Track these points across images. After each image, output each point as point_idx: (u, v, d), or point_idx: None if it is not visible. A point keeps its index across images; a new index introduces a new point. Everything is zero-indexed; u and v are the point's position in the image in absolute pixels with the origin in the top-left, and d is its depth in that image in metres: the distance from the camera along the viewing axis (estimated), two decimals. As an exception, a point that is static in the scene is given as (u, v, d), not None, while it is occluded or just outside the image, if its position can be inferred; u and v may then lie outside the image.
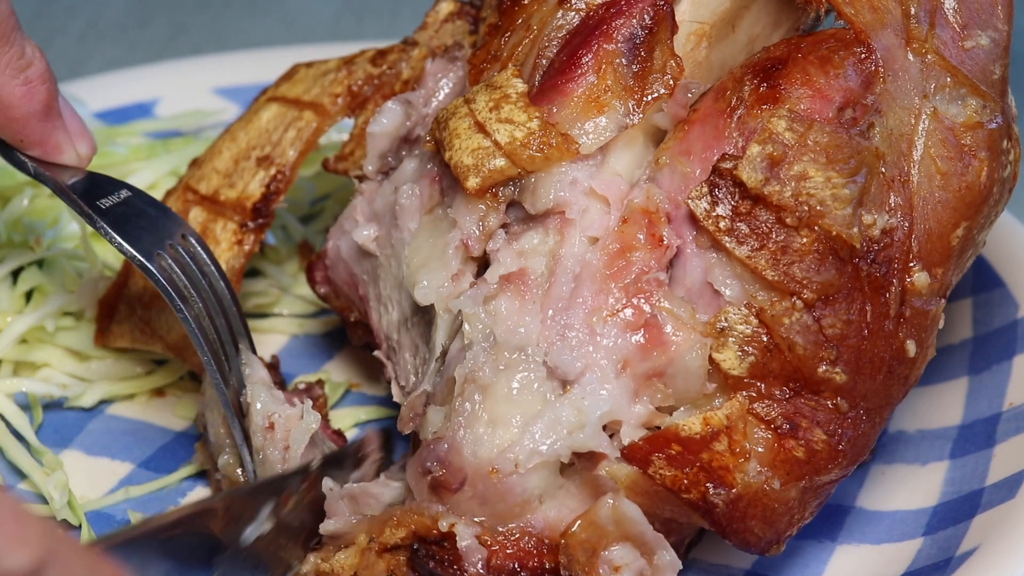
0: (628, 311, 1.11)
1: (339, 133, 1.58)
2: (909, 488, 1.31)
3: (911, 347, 1.15)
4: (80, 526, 1.29)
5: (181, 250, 1.24)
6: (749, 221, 1.11)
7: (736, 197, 1.11)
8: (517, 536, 1.10)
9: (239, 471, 1.25)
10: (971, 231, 1.18)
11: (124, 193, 1.26)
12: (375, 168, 1.31)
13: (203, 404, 1.30)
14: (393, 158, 1.30)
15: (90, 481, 1.35)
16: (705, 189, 1.12)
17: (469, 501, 1.11)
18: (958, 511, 1.25)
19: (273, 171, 1.38)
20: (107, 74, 1.78)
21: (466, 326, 1.14)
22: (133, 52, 2.11)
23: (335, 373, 1.48)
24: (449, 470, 1.11)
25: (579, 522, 1.09)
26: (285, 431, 1.21)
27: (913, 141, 1.15)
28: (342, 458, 1.23)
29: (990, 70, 1.19)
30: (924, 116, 1.16)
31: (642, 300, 1.12)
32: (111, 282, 1.42)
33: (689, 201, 1.12)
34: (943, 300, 1.17)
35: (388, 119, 1.30)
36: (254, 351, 1.28)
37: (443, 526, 1.10)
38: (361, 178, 1.34)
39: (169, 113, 1.72)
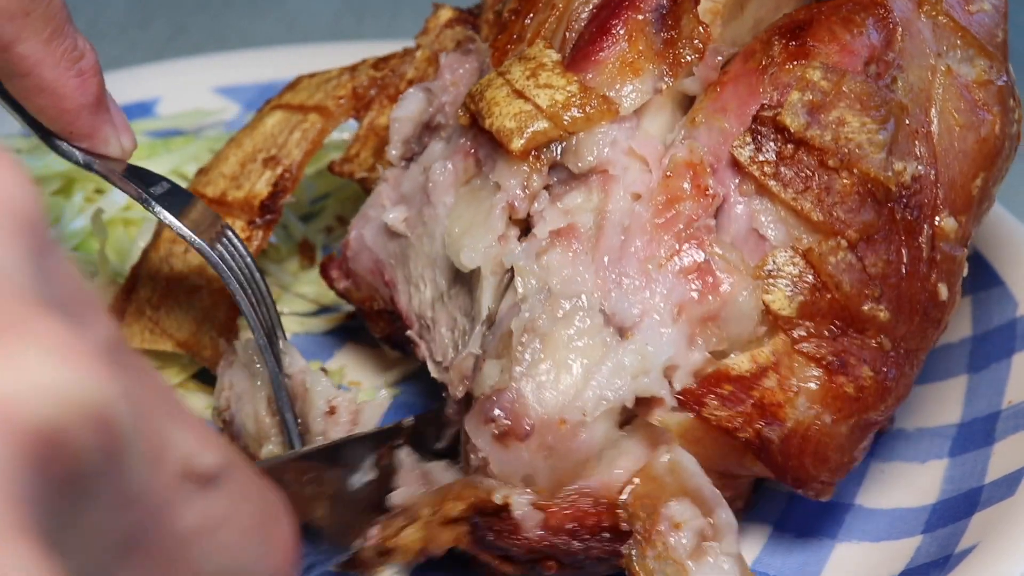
0: (681, 257, 1.14)
1: (339, 133, 1.58)
2: (908, 486, 1.31)
3: (943, 290, 1.19)
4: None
5: (225, 240, 1.26)
6: (793, 165, 1.15)
7: (779, 143, 1.15)
8: (574, 497, 1.11)
9: None
10: (987, 182, 1.23)
11: (166, 184, 1.27)
12: (399, 153, 1.32)
13: (227, 398, 1.30)
14: (416, 144, 1.32)
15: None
16: (748, 138, 1.16)
17: (535, 452, 1.11)
18: (957, 509, 1.25)
19: (280, 170, 1.39)
20: (107, 74, 1.77)
21: (519, 281, 1.15)
22: (133, 52, 2.11)
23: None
24: (515, 419, 1.11)
25: (637, 478, 1.10)
26: (350, 413, 1.22)
27: (931, 96, 1.20)
28: (428, 421, 1.24)
29: (994, 33, 1.25)
30: (939, 73, 1.21)
31: (694, 246, 1.14)
32: (119, 288, 1.43)
33: (733, 149, 1.16)
34: (965, 249, 1.22)
35: (411, 104, 1.32)
36: (286, 339, 1.29)
37: (497, 499, 1.11)
38: (363, 180, 1.34)
39: (170, 112, 1.73)
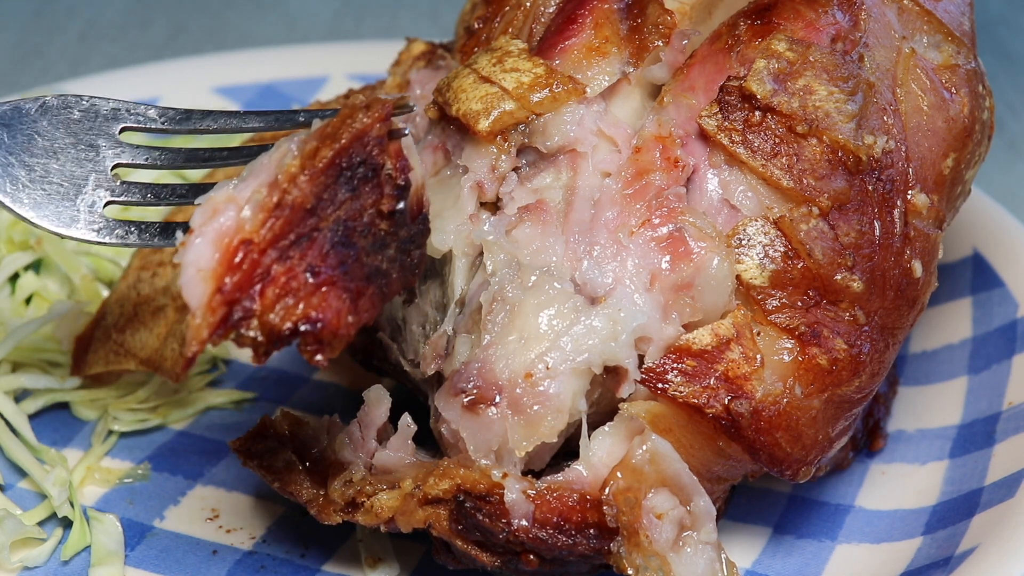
0: (653, 226, 1.14)
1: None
2: (909, 487, 1.31)
3: (917, 267, 1.19)
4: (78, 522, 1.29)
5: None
6: (761, 131, 1.16)
7: (747, 110, 1.16)
8: (561, 492, 1.11)
9: None
10: (959, 163, 1.23)
11: None
12: None
13: None
14: None
15: (89, 478, 1.35)
16: (716, 108, 1.16)
17: (503, 415, 1.11)
18: (957, 510, 1.25)
19: None
20: (107, 73, 1.78)
21: (488, 256, 1.16)
22: (133, 52, 2.11)
23: (334, 372, 1.48)
24: (483, 386, 1.12)
25: (619, 471, 1.10)
26: None
27: (897, 77, 1.21)
28: None
29: (960, 21, 1.26)
30: (905, 55, 1.22)
31: (665, 215, 1.14)
32: (89, 318, 1.44)
33: (701, 119, 1.16)
34: (940, 231, 1.21)
35: None
36: None
37: (496, 475, 1.11)
38: None
39: (169, 112, 1.72)
